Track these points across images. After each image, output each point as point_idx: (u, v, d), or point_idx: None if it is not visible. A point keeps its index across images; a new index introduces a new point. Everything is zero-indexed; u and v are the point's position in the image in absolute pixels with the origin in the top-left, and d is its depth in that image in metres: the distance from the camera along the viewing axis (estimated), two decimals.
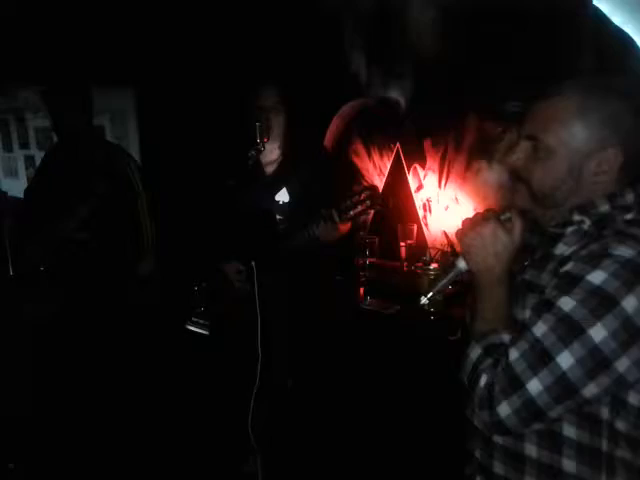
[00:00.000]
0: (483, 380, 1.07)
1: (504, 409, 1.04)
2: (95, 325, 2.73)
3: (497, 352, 1.08)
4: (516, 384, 1.03)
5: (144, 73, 3.52)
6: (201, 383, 2.61)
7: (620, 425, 1.06)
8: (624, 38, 2.46)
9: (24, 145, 5.18)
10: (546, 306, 1.06)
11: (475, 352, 1.11)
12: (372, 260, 2.68)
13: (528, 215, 1.21)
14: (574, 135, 1.11)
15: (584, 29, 2.31)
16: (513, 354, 1.05)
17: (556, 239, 1.16)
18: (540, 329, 1.04)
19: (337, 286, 2.59)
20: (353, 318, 2.47)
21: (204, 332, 2.59)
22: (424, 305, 1.27)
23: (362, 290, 2.58)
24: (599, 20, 2.40)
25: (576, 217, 1.14)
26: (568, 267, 1.06)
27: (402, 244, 2.81)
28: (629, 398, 1.05)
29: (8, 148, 5.34)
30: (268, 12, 3.03)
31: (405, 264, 2.77)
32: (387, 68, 3.07)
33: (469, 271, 1.21)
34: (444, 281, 1.24)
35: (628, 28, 2.48)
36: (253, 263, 2.30)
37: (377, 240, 2.72)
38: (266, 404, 2.25)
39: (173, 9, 3.17)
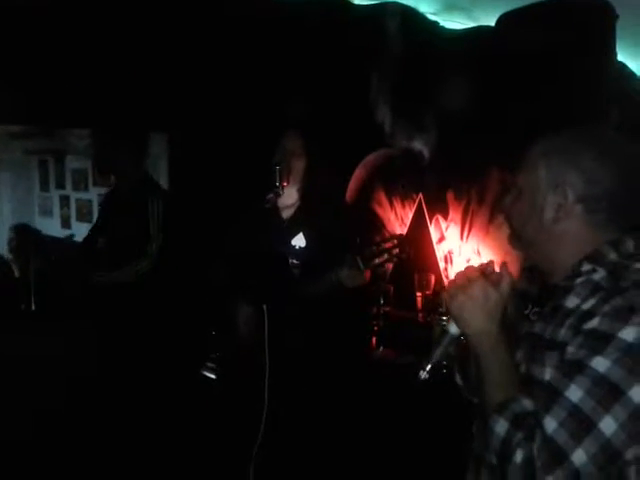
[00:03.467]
0: (519, 456, 0.99)
1: None
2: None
3: (525, 423, 1.02)
4: (560, 457, 0.96)
5: (174, 121, 3.63)
6: (204, 429, 2.56)
7: None
8: None
9: (60, 185, 5.36)
10: (576, 367, 1.00)
11: (501, 426, 1.03)
12: (386, 309, 2.62)
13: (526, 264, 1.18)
14: (537, 175, 1.16)
15: (608, 85, 2.29)
16: (550, 424, 0.98)
17: (564, 291, 1.12)
18: (575, 394, 0.98)
19: (349, 334, 2.53)
20: (364, 368, 2.40)
21: (212, 376, 2.56)
22: (425, 380, 1.17)
23: (374, 339, 2.52)
24: (624, 75, 2.39)
25: (586, 267, 1.11)
26: (594, 324, 1.01)
27: (419, 294, 2.75)
28: None
29: (45, 188, 5.53)
30: (296, 59, 3.10)
31: (421, 315, 2.71)
32: (411, 119, 3.09)
33: (463, 335, 1.15)
34: (439, 350, 1.16)
35: None
36: (264, 307, 2.28)
37: (392, 289, 2.67)
38: (268, 454, 2.19)
39: (199, 63, 3.27)
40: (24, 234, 4.12)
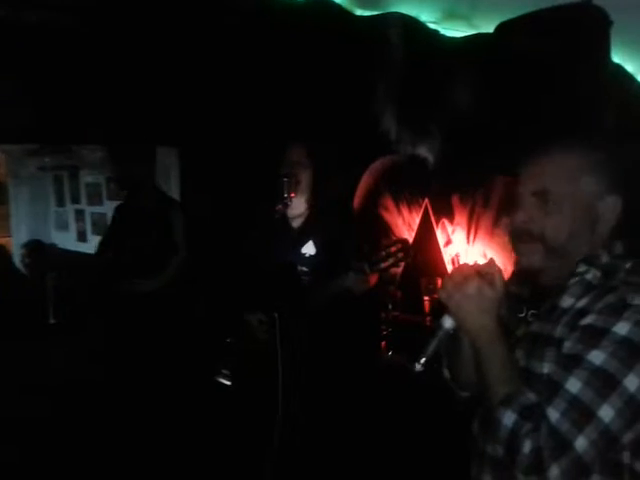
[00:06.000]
0: (528, 446, 1.04)
1: (554, 472, 1.03)
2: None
3: (533, 414, 1.07)
4: (564, 445, 1.02)
5: (185, 133, 3.71)
6: (219, 434, 2.62)
7: (639, 466, 1.08)
8: None
9: (75, 200, 5.48)
10: (574, 360, 1.07)
11: (509, 418, 1.08)
12: (395, 314, 2.67)
13: (515, 268, 1.22)
14: (581, 187, 1.18)
15: (606, 86, 2.32)
16: (553, 415, 1.04)
17: (559, 291, 1.18)
18: (575, 385, 1.05)
19: (359, 339, 2.58)
20: (374, 372, 2.45)
21: (227, 383, 2.62)
22: (420, 371, 1.20)
23: (384, 344, 2.57)
24: (623, 78, 2.43)
25: (582, 268, 1.18)
26: (589, 320, 1.08)
27: (426, 298, 2.80)
28: None
29: (60, 203, 5.65)
30: (300, 71, 3.17)
31: (428, 319, 2.75)
32: (415, 126, 3.15)
33: (457, 330, 1.20)
34: (433, 344, 1.19)
35: None
36: (276, 314, 2.35)
37: (400, 293, 2.72)
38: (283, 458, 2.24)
39: (205, 76, 3.35)
40: (37, 250, 4.21)
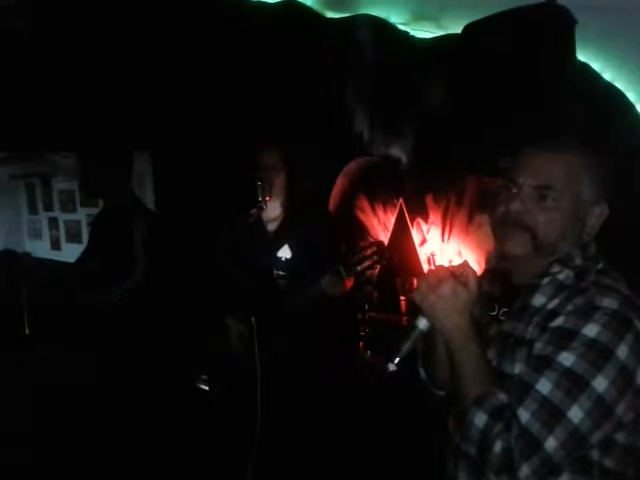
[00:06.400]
0: (498, 446, 1.06)
1: (525, 471, 1.04)
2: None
3: (503, 415, 1.09)
4: (534, 445, 1.04)
5: (158, 140, 3.69)
6: (201, 438, 2.61)
7: (608, 463, 1.10)
8: (615, 94, 2.52)
9: (48, 207, 5.40)
10: (544, 362, 1.09)
11: (480, 419, 1.10)
12: (371, 314, 2.68)
13: (487, 266, 1.24)
14: (582, 189, 1.19)
15: (572, 86, 2.36)
16: (524, 415, 1.06)
17: (531, 289, 1.21)
18: (545, 386, 1.06)
19: (338, 341, 2.59)
20: (352, 373, 2.46)
21: (206, 388, 2.61)
22: (393, 371, 1.20)
23: (362, 345, 2.58)
24: (589, 77, 2.47)
25: (555, 269, 1.20)
26: (560, 322, 1.10)
27: (402, 298, 2.82)
28: (617, 437, 1.10)
29: (33, 211, 5.58)
30: (271, 73, 3.17)
31: (405, 318, 2.77)
32: (388, 126, 3.16)
33: (432, 330, 1.21)
34: (407, 344, 1.20)
35: (619, 84, 2.55)
36: (253, 319, 2.35)
37: (376, 294, 2.73)
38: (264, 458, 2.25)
39: (178, 80, 3.33)
40: (9, 260, 4.16)
